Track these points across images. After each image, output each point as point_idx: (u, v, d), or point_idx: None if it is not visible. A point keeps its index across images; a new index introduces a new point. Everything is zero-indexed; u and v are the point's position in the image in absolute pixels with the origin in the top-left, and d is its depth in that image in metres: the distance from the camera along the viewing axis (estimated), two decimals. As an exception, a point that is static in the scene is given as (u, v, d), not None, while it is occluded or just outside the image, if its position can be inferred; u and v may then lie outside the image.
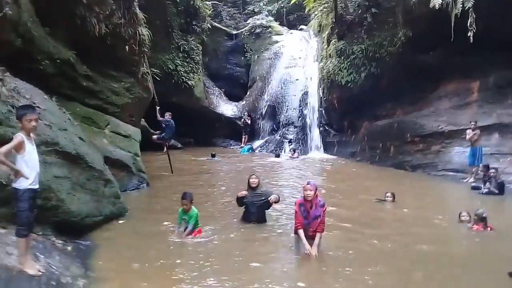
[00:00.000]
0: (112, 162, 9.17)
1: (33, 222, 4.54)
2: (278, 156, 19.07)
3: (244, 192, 7.74)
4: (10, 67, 6.48)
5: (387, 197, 9.84)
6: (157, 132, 14.41)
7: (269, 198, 7.54)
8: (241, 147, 21.98)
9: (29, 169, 4.41)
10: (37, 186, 4.54)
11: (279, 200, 7.82)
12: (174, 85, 19.76)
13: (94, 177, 7.03)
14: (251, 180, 7.80)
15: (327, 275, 5.57)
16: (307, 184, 6.20)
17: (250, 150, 21.22)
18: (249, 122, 22.95)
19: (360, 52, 17.47)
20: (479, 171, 12.50)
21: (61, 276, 4.72)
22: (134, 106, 11.47)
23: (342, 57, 18.45)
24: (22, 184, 4.37)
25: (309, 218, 6.16)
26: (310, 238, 6.14)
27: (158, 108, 13.27)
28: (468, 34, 12.17)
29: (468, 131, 13.02)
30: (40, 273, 4.49)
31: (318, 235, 6.13)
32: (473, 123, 12.94)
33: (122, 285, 4.99)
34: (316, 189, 6.19)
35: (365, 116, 18.34)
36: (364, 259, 6.05)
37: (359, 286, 5.15)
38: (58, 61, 8.65)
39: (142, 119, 13.56)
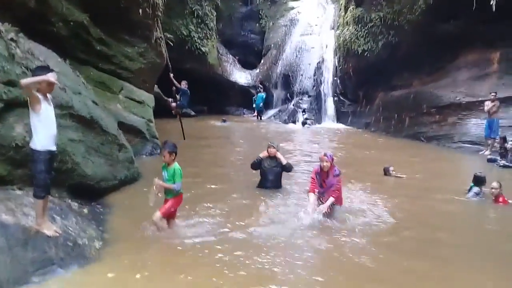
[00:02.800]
0: (126, 127, 9.19)
1: (49, 184, 4.57)
2: (294, 122, 19.42)
3: (264, 153, 7.90)
4: (24, 29, 6.39)
5: (391, 171, 9.54)
6: (169, 99, 14.39)
7: (283, 163, 7.85)
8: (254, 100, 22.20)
9: (45, 129, 4.40)
10: (54, 148, 4.54)
11: (291, 169, 8.00)
12: (188, 52, 19.52)
13: (108, 142, 7.05)
14: (269, 149, 7.93)
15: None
16: (324, 155, 6.33)
17: (263, 99, 21.61)
18: (261, 91, 22.75)
19: (378, 19, 17.01)
20: (496, 144, 12.32)
21: (78, 238, 4.81)
22: (148, 72, 11.38)
23: (360, 25, 18.01)
24: (38, 144, 4.37)
25: (325, 186, 6.31)
26: None
27: (171, 75, 13.15)
28: (491, 2, 11.83)
29: (487, 102, 12.79)
30: (57, 234, 4.57)
31: (330, 198, 6.19)
32: (493, 94, 12.66)
33: (134, 247, 5.06)
34: (332, 160, 6.36)
35: (380, 86, 18.06)
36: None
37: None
38: (71, 23, 8.58)
39: (155, 86, 13.50)
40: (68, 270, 4.34)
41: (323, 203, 6.20)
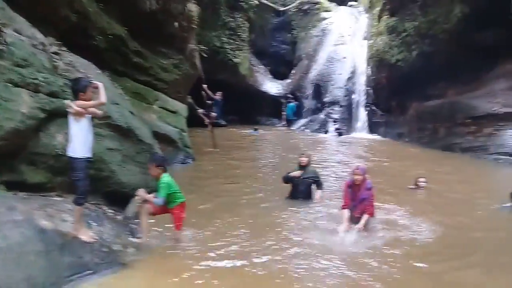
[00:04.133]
0: (159, 136, 9.40)
1: (88, 190, 4.76)
2: (325, 132, 19.48)
3: (298, 173, 7.78)
4: (65, 43, 6.69)
5: (420, 182, 9.27)
6: (201, 110, 14.63)
7: (313, 199, 7.74)
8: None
9: (85, 138, 4.58)
10: (90, 155, 4.71)
11: (321, 185, 7.95)
12: (220, 63, 19.69)
13: (143, 151, 7.18)
14: (300, 158, 7.91)
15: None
16: (356, 168, 6.27)
17: (293, 109, 21.53)
18: (292, 101, 22.72)
19: (412, 29, 16.81)
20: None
21: (112, 244, 4.96)
22: (182, 83, 11.67)
23: (393, 34, 17.84)
24: (77, 153, 4.54)
25: (356, 200, 6.19)
26: (356, 220, 6.14)
27: (205, 86, 13.40)
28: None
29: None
30: (93, 240, 4.73)
31: (365, 216, 6.10)
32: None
33: (164, 254, 5.22)
34: (364, 173, 6.24)
35: (414, 96, 17.74)
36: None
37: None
38: (110, 36, 8.91)
39: (188, 96, 13.79)
40: (102, 275, 4.46)
41: (354, 216, 6.15)
